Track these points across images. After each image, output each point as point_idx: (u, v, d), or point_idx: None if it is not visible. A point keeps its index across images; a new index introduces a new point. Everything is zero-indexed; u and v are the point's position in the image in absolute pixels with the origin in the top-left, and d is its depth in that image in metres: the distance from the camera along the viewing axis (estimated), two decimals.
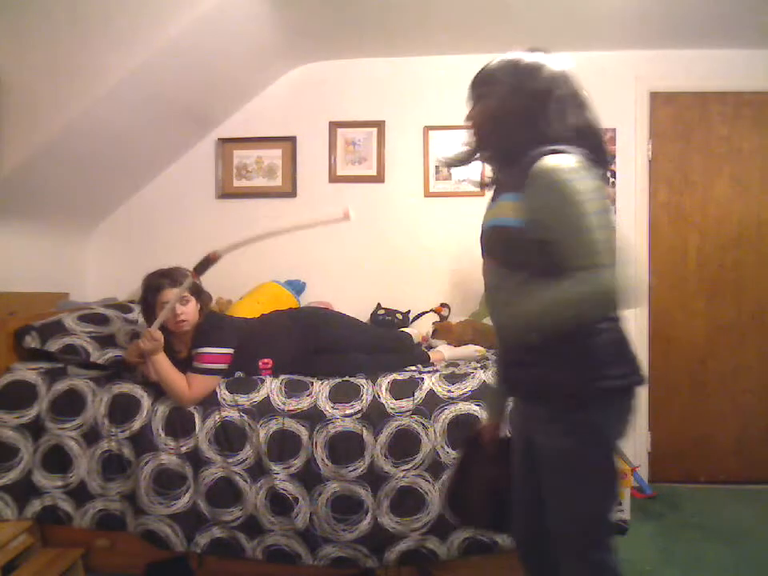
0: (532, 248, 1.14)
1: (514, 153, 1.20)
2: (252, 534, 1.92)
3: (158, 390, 2.02)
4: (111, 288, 3.02)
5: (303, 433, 1.94)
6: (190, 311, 2.04)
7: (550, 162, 1.12)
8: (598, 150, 1.22)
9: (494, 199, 1.29)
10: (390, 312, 2.92)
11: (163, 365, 1.96)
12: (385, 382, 2.03)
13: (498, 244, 1.23)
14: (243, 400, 1.99)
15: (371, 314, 2.93)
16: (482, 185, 1.42)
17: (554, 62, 1.25)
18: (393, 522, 1.89)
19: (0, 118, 2.16)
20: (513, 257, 1.19)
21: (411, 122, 3.09)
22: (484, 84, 1.30)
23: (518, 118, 1.21)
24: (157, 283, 2.01)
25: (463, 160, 1.36)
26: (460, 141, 1.36)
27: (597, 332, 1.16)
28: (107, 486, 1.97)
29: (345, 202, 3.12)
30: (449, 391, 1.98)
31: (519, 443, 1.37)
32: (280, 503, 1.91)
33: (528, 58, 1.25)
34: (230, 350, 2.05)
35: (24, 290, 2.48)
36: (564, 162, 1.11)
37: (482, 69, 1.32)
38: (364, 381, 2.05)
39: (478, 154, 1.33)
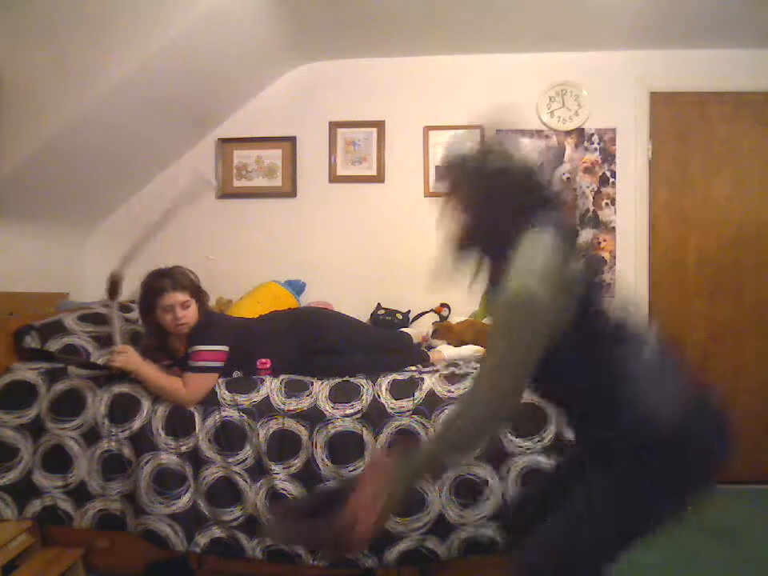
0: None
1: (503, 236, 1.18)
2: (252, 533, 1.92)
3: None
4: None
5: (303, 433, 1.94)
6: (190, 315, 2.04)
7: (527, 239, 1.11)
8: (567, 218, 1.24)
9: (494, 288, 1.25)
10: (390, 312, 2.91)
11: (149, 375, 1.96)
12: (385, 382, 2.03)
13: None
14: (243, 400, 1.99)
15: (371, 314, 2.93)
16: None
17: (505, 139, 1.26)
18: (393, 522, 1.89)
19: (0, 118, 2.16)
20: None
21: (411, 121, 3.09)
22: (452, 189, 1.28)
23: (497, 208, 1.20)
24: (159, 286, 2.00)
25: (461, 257, 1.34)
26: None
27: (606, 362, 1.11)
28: (107, 485, 1.97)
29: (345, 202, 3.12)
30: (449, 391, 1.98)
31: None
32: (280, 503, 1.91)
33: (478, 146, 1.26)
34: (225, 348, 2.04)
35: (24, 290, 2.48)
36: (537, 242, 1.10)
37: (442, 168, 1.31)
38: (364, 381, 2.05)
39: (470, 250, 1.31)
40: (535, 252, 1.08)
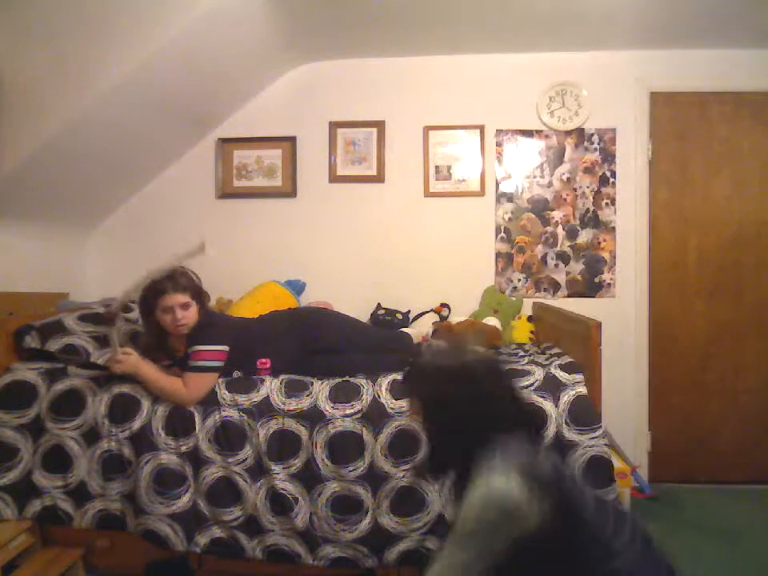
0: None
1: (463, 459, 1.16)
2: (252, 533, 1.92)
3: None
4: (111, 288, 3.02)
5: (303, 433, 1.94)
6: (190, 315, 2.04)
7: (485, 468, 1.09)
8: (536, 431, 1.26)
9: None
10: (390, 312, 2.92)
11: (149, 376, 1.96)
12: (385, 382, 2.03)
13: None
14: (243, 400, 1.99)
15: (371, 314, 2.93)
16: None
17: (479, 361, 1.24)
18: (393, 522, 1.89)
19: (0, 118, 2.16)
20: None
21: (411, 122, 3.09)
22: (416, 405, 1.28)
23: (458, 430, 1.19)
24: (159, 286, 2.00)
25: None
26: None
27: None
28: (107, 485, 1.97)
29: (345, 202, 3.13)
30: None
31: None
32: (280, 503, 1.91)
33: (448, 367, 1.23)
34: (225, 348, 2.04)
35: (24, 290, 2.48)
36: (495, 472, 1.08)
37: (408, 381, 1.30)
38: (364, 381, 2.05)
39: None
40: (492, 486, 1.07)
